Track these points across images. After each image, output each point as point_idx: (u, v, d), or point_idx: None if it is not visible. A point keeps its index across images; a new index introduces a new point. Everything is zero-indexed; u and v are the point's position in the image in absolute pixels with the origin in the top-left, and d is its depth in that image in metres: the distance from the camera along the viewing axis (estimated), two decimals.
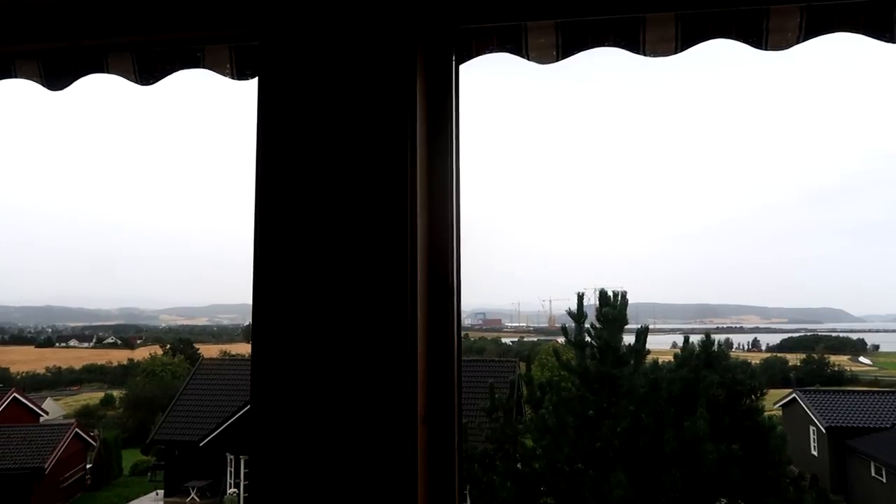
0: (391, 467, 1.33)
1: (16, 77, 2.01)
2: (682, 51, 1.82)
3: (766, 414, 10.83)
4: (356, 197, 1.41)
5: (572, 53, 1.82)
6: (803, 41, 1.77)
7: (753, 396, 10.48)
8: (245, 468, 23.60)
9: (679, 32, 1.77)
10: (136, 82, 1.96)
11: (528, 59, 1.84)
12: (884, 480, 20.88)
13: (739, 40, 1.77)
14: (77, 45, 1.84)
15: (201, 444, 23.86)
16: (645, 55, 1.82)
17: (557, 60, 1.85)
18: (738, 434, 9.72)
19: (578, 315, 11.27)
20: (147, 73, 1.93)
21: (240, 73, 1.89)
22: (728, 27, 1.76)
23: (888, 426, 23.23)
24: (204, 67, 1.94)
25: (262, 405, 1.39)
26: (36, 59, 1.96)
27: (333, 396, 1.37)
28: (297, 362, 1.39)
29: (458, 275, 1.53)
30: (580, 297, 11.36)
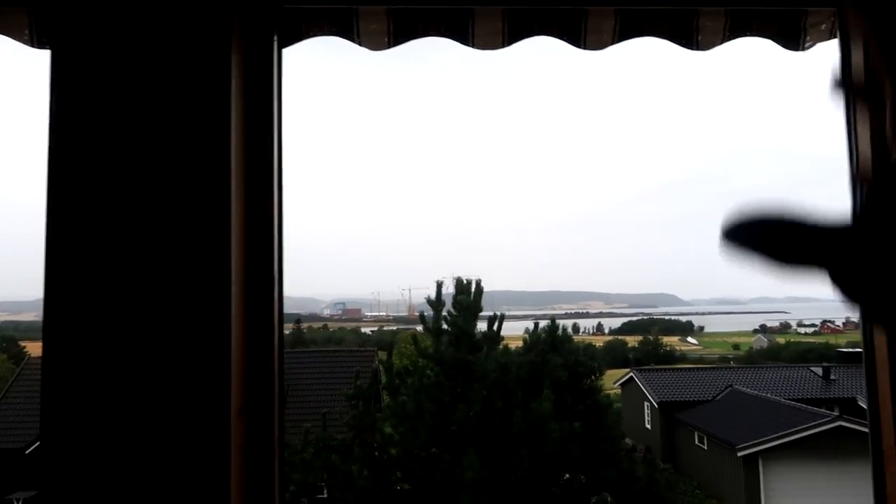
0: (204, 463, 1.27)
1: None
2: (509, 45, 1.87)
3: (604, 393, 11.65)
4: (164, 183, 1.32)
5: (403, 41, 1.82)
6: (618, 42, 1.89)
7: (593, 377, 11.24)
8: None
9: (506, 27, 1.82)
10: None
11: (360, 45, 1.82)
12: (705, 447, 23.22)
13: (561, 38, 1.85)
14: None
15: (28, 452, 21.76)
16: (474, 47, 1.86)
17: (389, 47, 1.84)
18: (579, 413, 10.38)
19: (437, 303, 11.46)
20: None
21: (40, 42, 1.72)
22: (551, 25, 1.84)
23: (709, 399, 25.83)
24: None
25: (55, 405, 1.27)
26: None
27: (139, 392, 1.28)
28: (96, 358, 1.28)
29: (281, 263, 1.48)
30: (439, 286, 11.55)
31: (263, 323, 1.42)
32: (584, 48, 1.87)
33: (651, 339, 68.89)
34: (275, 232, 1.45)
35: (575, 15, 1.82)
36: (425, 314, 11.67)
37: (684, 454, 25.10)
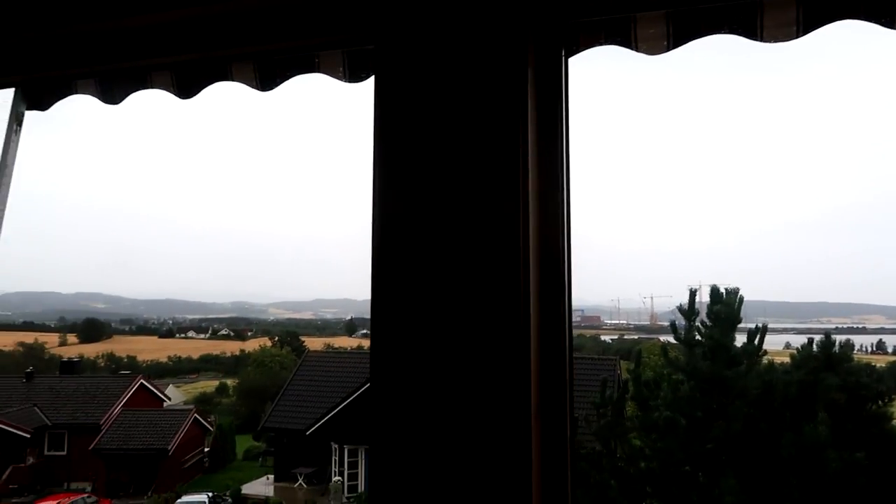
0: (506, 459, 1.36)
1: (151, 88, 2.19)
2: (802, 35, 1.73)
3: (894, 422, 10.05)
4: (470, 195, 1.45)
5: (683, 43, 1.77)
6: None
7: (880, 402, 9.73)
8: (349, 457, 24.40)
9: (801, 16, 1.69)
10: (257, 88, 2.09)
11: (638, 51, 1.81)
12: None
13: (871, 21, 1.66)
14: (207, 56, 1.97)
15: (308, 433, 24.84)
16: (763, 41, 1.75)
17: (668, 50, 1.80)
18: (862, 442, 9.08)
19: (690, 312, 10.83)
20: (267, 79, 2.04)
21: (352, 76, 1.98)
22: (857, 8, 1.66)
23: None
24: (319, 72, 2.03)
25: (381, 399, 1.45)
26: (169, 71, 2.12)
27: (450, 390, 1.40)
28: (415, 358, 1.43)
29: (570, 272, 1.53)
30: (692, 294, 10.88)
31: (555, 330, 1.48)
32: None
33: None
34: (565, 240, 1.51)
35: None
36: (677, 323, 11.10)
37: None
